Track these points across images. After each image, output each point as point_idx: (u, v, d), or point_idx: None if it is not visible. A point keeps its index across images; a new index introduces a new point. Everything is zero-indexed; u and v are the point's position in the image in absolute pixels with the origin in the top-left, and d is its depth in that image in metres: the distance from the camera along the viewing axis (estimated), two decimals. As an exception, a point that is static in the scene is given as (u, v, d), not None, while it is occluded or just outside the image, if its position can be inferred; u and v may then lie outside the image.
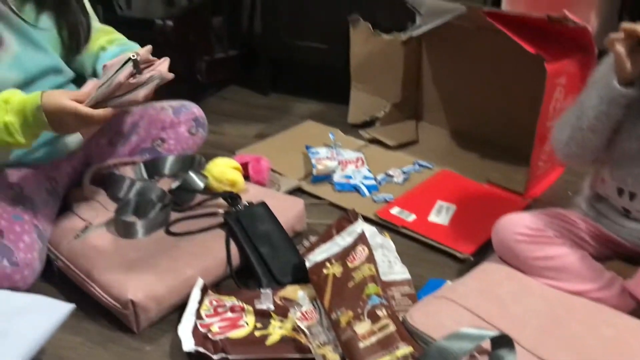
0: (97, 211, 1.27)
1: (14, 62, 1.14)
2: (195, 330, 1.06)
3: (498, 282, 1.12)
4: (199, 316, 1.09)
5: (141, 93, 1.02)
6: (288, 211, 1.35)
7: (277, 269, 1.20)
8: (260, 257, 1.22)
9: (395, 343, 0.96)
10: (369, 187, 1.58)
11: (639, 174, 1.08)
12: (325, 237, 1.22)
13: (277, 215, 1.30)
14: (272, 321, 1.09)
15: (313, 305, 1.11)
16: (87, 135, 1.30)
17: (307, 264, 1.16)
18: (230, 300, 1.12)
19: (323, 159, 1.65)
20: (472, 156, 1.79)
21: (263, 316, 1.10)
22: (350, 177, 1.62)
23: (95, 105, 1.03)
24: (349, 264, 1.11)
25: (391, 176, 1.65)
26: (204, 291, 1.14)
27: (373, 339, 0.98)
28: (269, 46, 2.16)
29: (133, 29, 1.40)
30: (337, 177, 1.62)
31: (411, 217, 1.44)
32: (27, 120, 1.04)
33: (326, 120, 1.99)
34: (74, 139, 1.28)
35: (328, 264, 1.14)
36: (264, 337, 1.05)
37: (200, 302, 1.11)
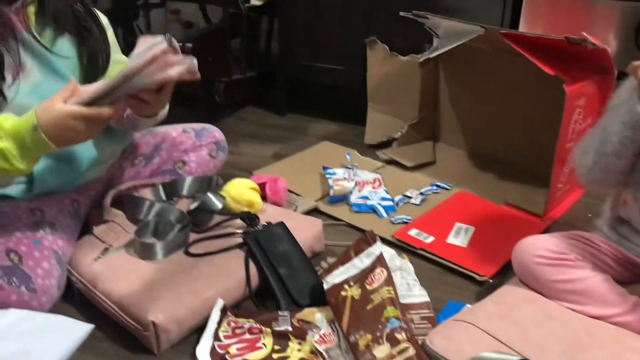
0: (117, 233, 1.28)
1: (34, 89, 1.12)
2: (213, 352, 1.06)
3: (518, 305, 1.11)
4: (217, 338, 1.09)
5: (174, 70, 1.00)
6: (306, 231, 1.35)
7: (295, 291, 1.20)
8: (279, 278, 1.22)
9: (415, 367, 0.95)
10: (386, 208, 1.58)
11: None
12: (344, 259, 1.22)
13: (295, 235, 1.30)
14: (290, 343, 1.08)
15: (331, 327, 1.11)
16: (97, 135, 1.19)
17: (325, 286, 1.15)
18: (248, 322, 1.12)
19: (340, 179, 1.65)
20: (490, 177, 1.78)
21: (281, 338, 1.09)
22: (367, 198, 1.62)
23: (112, 94, 0.99)
24: (368, 286, 1.11)
25: (409, 197, 1.64)
26: (224, 312, 1.14)
27: (392, 362, 0.96)
28: (286, 67, 2.18)
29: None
30: (353, 198, 1.62)
31: (429, 239, 1.43)
32: (25, 144, 1.01)
33: (343, 140, 2.00)
34: (97, 169, 1.27)
35: (346, 286, 1.13)
36: (283, 360, 1.05)
37: (219, 323, 1.11)
